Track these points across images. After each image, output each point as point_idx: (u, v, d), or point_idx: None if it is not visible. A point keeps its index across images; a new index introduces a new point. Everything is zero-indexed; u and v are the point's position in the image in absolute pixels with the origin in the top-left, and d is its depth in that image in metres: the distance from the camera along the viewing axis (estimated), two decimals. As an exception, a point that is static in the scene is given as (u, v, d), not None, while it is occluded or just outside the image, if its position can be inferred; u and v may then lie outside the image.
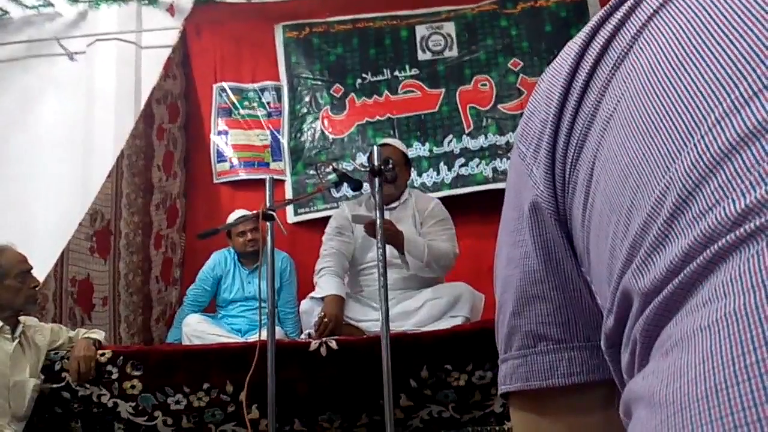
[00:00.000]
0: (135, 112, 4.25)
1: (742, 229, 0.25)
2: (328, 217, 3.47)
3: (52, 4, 4.65)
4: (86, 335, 2.61)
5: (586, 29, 0.39)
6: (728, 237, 0.25)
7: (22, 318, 2.50)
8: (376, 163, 2.31)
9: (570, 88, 0.38)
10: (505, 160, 3.99)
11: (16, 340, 2.41)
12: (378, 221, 2.24)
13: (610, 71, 0.36)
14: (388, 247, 2.92)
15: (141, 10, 4.64)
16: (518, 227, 0.43)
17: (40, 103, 4.59)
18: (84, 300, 3.34)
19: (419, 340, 2.49)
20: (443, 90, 4.19)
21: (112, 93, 4.41)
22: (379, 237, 2.22)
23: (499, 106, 4.10)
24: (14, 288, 2.45)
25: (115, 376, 2.50)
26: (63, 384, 2.51)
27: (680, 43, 0.31)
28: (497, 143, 4.03)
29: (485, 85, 4.16)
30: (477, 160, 4.02)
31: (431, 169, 4.06)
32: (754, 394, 0.22)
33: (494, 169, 3.99)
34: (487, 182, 3.97)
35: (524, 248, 0.42)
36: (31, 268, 2.57)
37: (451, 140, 4.09)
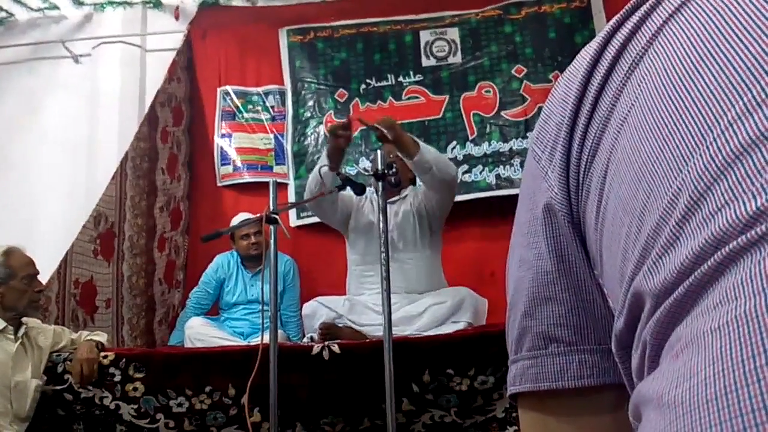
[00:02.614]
0: (139, 115, 4.26)
1: (753, 232, 0.25)
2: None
3: (57, 7, 4.66)
4: (89, 337, 2.61)
5: (603, 33, 0.39)
6: (739, 239, 0.26)
7: (24, 319, 2.51)
8: (379, 167, 2.31)
9: (585, 92, 0.38)
10: (508, 167, 3.99)
11: (19, 341, 2.42)
12: (382, 225, 2.25)
13: (625, 75, 0.36)
14: (395, 242, 2.93)
15: (146, 14, 4.64)
16: (532, 229, 0.43)
17: (45, 106, 4.59)
18: (87, 302, 3.34)
19: (421, 344, 2.49)
20: (447, 96, 4.20)
21: (117, 96, 4.42)
22: (381, 241, 2.22)
23: (503, 113, 4.10)
24: (20, 290, 2.47)
25: (117, 378, 2.50)
26: (65, 386, 2.51)
27: (694, 47, 0.31)
28: (501, 150, 4.03)
29: (489, 91, 4.16)
30: (480, 166, 4.02)
31: (434, 175, 4.06)
32: (764, 395, 0.22)
33: (497, 176, 3.98)
34: (490, 189, 3.97)
35: (537, 250, 0.42)
36: (38, 272, 2.59)
37: (454, 147, 4.09)
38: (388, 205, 2.65)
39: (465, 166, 4.04)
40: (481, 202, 3.91)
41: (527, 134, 3.92)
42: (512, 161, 3.98)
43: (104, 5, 4.57)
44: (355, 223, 3.18)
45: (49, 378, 2.50)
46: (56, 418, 2.52)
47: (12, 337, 2.42)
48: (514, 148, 4.00)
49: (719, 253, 0.26)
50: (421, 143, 2.88)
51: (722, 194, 0.27)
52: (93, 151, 4.31)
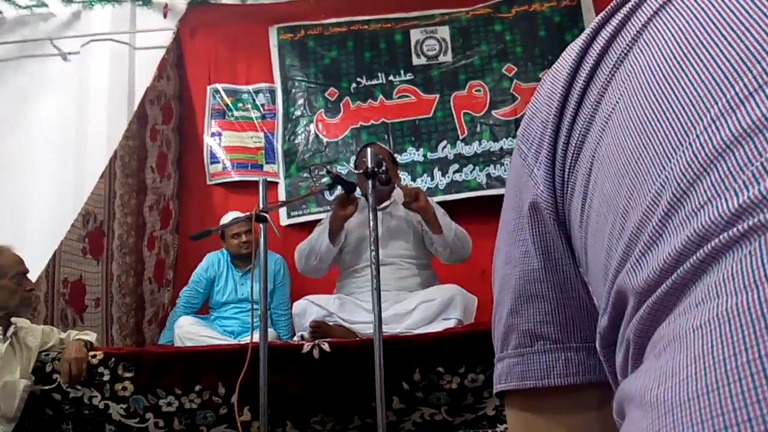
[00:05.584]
0: (128, 112, 4.24)
1: (735, 229, 0.25)
2: (319, 220, 3.47)
3: (45, 5, 4.63)
4: (78, 337, 2.60)
5: (587, 31, 0.39)
6: (722, 236, 0.25)
7: (13, 319, 2.49)
8: (369, 165, 2.31)
9: (570, 89, 0.38)
10: (498, 166, 4.00)
11: (8, 341, 2.41)
12: (372, 223, 2.25)
13: (610, 72, 0.36)
14: (389, 248, 2.95)
15: (135, 11, 4.62)
16: (518, 227, 0.43)
17: (33, 104, 4.56)
18: (76, 301, 3.32)
19: (412, 342, 2.49)
20: (437, 95, 4.20)
21: (106, 94, 4.39)
22: (371, 240, 2.22)
23: (493, 112, 4.11)
24: (10, 289, 2.46)
25: (106, 377, 2.49)
26: (54, 385, 2.49)
27: (678, 44, 0.31)
28: (491, 149, 4.04)
29: (479, 90, 4.17)
30: (471, 166, 4.02)
31: (425, 175, 4.07)
32: (744, 394, 0.22)
33: (488, 175, 3.99)
34: (480, 188, 3.98)
35: (524, 247, 0.42)
36: (28, 271, 2.58)
37: (445, 146, 4.09)
38: (380, 212, 2.67)
39: (455, 166, 4.04)
40: (472, 201, 3.92)
41: (518, 133, 3.92)
42: (503, 160, 3.99)
43: (93, 3, 4.54)
44: (346, 241, 3.19)
45: (38, 378, 2.49)
46: (45, 418, 2.50)
47: (1, 336, 2.40)
48: (504, 147, 4.01)
49: (702, 250, 0.26)
50: (445, 227, 2.98)
51: (705, 191, 0.27)
52: (82, 149, 4.29)
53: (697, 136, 0.28)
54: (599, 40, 0.38)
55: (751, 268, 0.24)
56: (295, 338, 3.05)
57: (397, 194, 3.24)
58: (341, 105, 4.27)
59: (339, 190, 2.81)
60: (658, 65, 0.32)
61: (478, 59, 4.23)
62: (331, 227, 3.03)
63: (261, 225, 2.46)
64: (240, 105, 4.38)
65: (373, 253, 2.18)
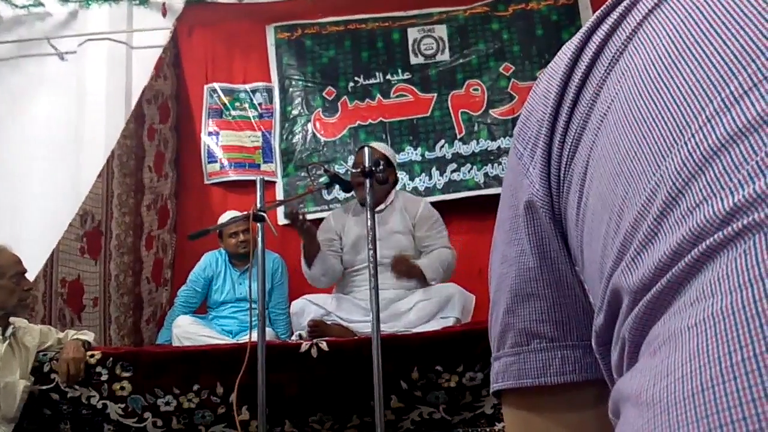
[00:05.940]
0: (126, 112, 4.23)
1: (730, 228, 0.25)
2: (318, 219, 3.47)
3: (42, 4, 4.62)
4: (75, 336, 2.59)
5: (583, 30, 0.39)
6: (717, 235, 0.25)
7: (12, 319, 2.49)
8: (366, 165, 2.31)
9: (566, 88, 0.38)
10: (496, 165, 4.00)
11: (6, 341, 2.40)
12: (369, 223, 2.25)
13: (605, 71, 0.36)
14: (386, 247, 2.96)
15: (132, 10, 4.61)
16: (514, 226, 0.43)
17: (31, 103, 4.55)
18: (74, 301, 3.32)
19: (410, 341, 2.50)
20: (435, 94, 4.20)
21: (103, 93, 4.38)
22: (369, 239, 2.22)
23: (491, 111, 4.11)
24: (8, 288, 2.45)
25: (104, 377, 2.49)
26: (52, 385, 2.49)
27: (673, 43, 0.31)
28: (489, 149, 4.04)
29: (477, 89, 4.17)
30: (469, 165, 4.03)
31: (423, 174, 4.07)
32: (739, 392, 0.22)
33: (486, 175, 3.99)
34: (478, 188, 3.98)
35: (520, 246, 0.42)
36: (26, 271, 2.58)
37: (443, 145, 4.09)
38: (377, 214, 2.67)
39: (453, 165, 4.05)
40: (470, 200, 3.92)
41: (514, 132, 3.93)
42: (500, 159, 3.99)
43: (89, 2, 4.53)
44: (344, 242, 3.19)
45: (36, 377, 2.48)
46: (43, 417, 2.50)
47: (0, 336, 2.40)
48: (502, 146, 4.02)
49: (696, 249, 0.26)
50: (426, 271, 3.01)
51: (700, 190, 0.27)
52: (79, 149, 4.28)
53: (693, 134, 0.28)
54: (595, 39, 0.38)
55: (746, 267, 0.24)
56: (294, 337, 3.06)
57: (395, 196, 3.24)
58: (339, 104, 4.27)
59: (337, 189, 2.81)
60: (653, 63, 0.32)
61: (476, 58, 4.23)
62: (304, 251, 3.07)
63: (259, 224, 2.46)
64: (237, 104, 4.38)
65: (371, 253, 2.18)
